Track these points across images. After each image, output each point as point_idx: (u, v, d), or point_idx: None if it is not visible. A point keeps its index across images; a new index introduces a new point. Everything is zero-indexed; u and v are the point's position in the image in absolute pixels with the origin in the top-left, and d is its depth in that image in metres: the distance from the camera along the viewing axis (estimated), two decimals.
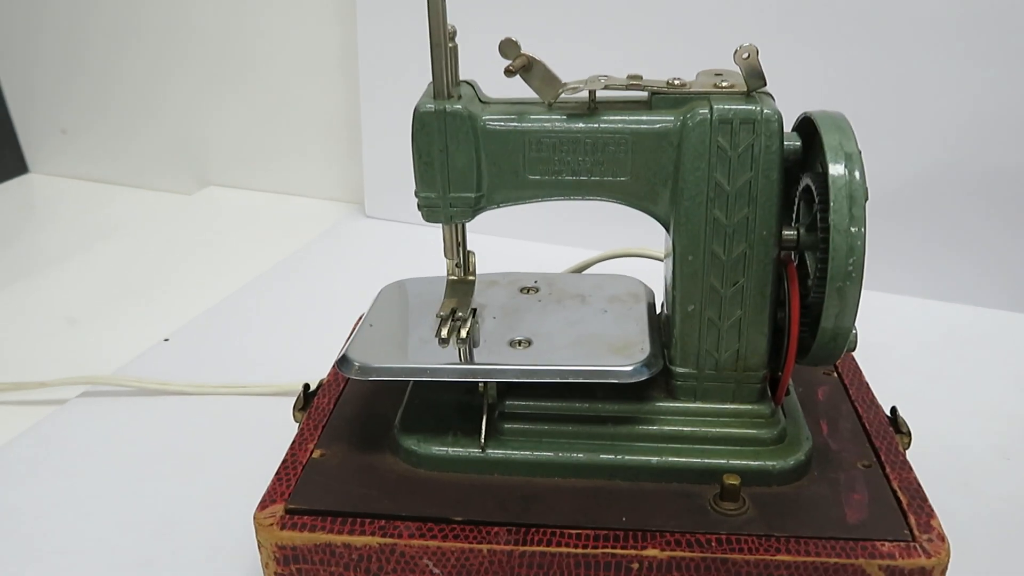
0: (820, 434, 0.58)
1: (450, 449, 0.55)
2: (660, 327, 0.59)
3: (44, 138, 1.47)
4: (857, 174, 0.48)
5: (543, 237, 1.13)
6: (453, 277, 0.60)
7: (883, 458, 0.55)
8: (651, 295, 0.63)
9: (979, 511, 0.65)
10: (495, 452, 0.54)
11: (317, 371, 0.73)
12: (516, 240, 1.11)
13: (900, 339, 0.91)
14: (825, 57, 0.97)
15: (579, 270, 0.80)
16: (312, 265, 1.11)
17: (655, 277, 0.66)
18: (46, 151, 1.48)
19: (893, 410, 0.60)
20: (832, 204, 0.48)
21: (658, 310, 0.62)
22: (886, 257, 0.96)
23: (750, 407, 0.55)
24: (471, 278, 0.61)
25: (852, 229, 0.48)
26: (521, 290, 0.63)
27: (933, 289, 1.01)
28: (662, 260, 0.63)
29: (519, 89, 0.53)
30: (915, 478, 0.54)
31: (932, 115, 0.95)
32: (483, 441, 0.54)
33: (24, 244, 1.24)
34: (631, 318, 0.58)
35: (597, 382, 0.53)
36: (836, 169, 0.48)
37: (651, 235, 0.56)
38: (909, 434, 0.59)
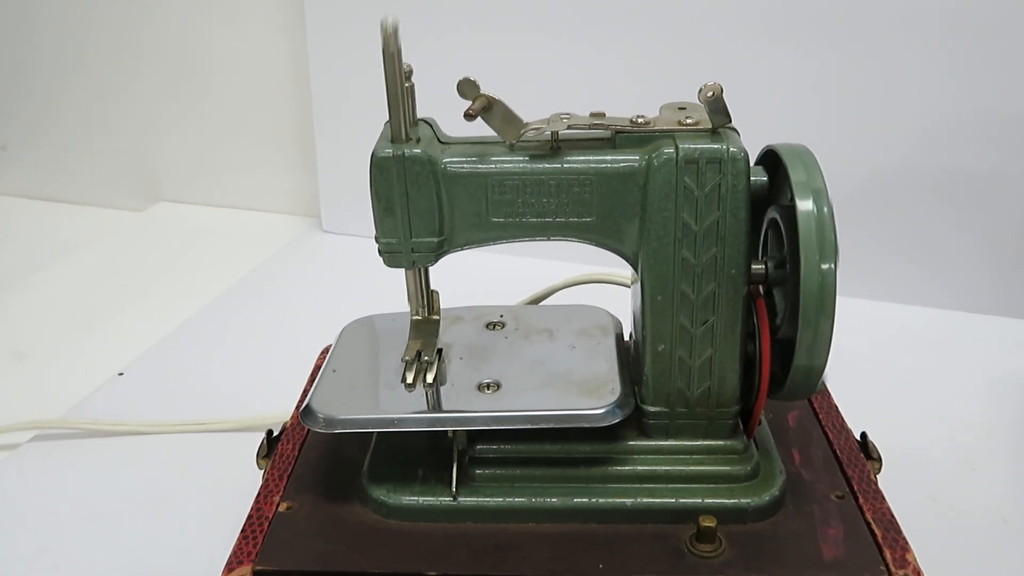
0: (792, 463, 0.57)
1: (420, 498, 0.53)
2: (629, 361, 0.58)
3: None
4: (826, 210, 0.48)
5: (505, 249, 1.12)
6: (417, 317, 0.59)
7: (856, 487, 0.55)
8: (619, 326, 0.62)
9: (950, 528, 0.66)
10: (467, 500, 0.53)
11: (280, 402, 0.71)
12: (479, 251, 1.09)
13: (858, 343, 0.90)
14: (781, 58, 0.96)
15: (543, 297, 0.78)
16: (270, 286, 1.08)
17: (620, 300, 0.65)
18: None
19: (863, 435, 0.60)
20: (802, 242, 0.47)
21: (626, 337, 0.62)
22: (843, 261, 0.96)
23: (723, 443, 0.54)
24: (435, 317, 0.59)
25: (823, 267, 0.47)
26: (487, 325, 0.62)
27: (888, 292, 1.02)
28: (628, 287, 0.62)
29: (478, 125, 0.51)
30: (888, 508, 0.53)
31: (887, 117, 0.96)
32: (454, 489, 0.53)
33: None
34: (600, 354, 0.57)
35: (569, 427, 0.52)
36: (804, 206, 0.48)
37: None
38: (880, 459, 0.59)
